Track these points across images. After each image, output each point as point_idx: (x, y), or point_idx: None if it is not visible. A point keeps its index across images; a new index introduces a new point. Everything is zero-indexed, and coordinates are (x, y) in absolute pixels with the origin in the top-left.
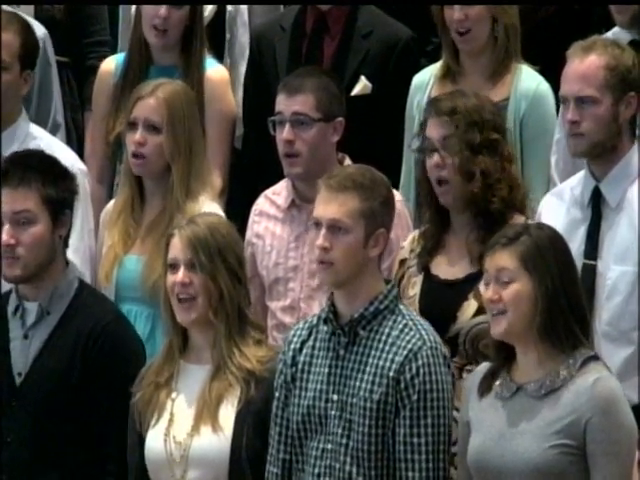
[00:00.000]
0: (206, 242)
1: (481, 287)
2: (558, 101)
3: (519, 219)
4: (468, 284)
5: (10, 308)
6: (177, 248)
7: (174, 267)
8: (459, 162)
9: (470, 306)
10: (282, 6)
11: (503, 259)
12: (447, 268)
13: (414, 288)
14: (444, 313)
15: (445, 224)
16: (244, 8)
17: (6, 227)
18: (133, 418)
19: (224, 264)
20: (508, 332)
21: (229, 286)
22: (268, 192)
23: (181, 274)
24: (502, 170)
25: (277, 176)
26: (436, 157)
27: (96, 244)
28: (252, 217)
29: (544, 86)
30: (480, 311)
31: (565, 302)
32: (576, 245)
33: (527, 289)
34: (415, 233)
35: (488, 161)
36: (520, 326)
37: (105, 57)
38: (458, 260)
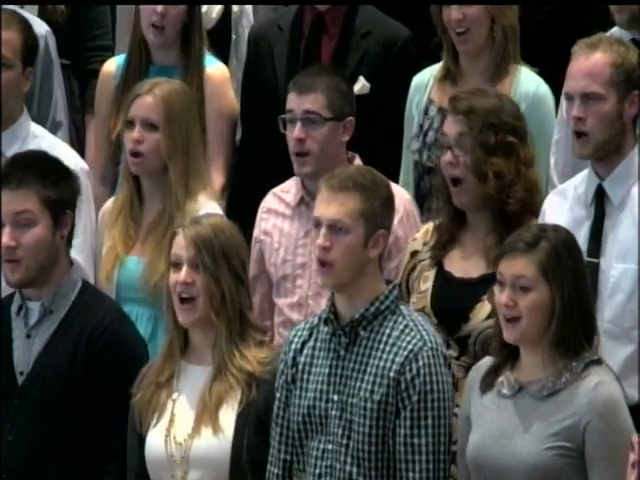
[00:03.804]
0: (210, 242)
1: (496, 289)
2: (558, 103)
3: (532, 221)
4: (482, 285)
5: (14, 308)
6: (180, 247)
7: (177, 266)
8: (471, 161)
9: (484, 308)
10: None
11: (521, 266)
12: (461, 265)
13: (426, 283)
14: (456, 312)
15: (461, 219)
16: (249, 8)
17: (6, 229)
18: (133, 418)
19: (227, 265)
20: (521, 338)
21: (231, 287)
22: (276, 190)
23: (184, 273)
24: (517, 173)
25: (275, 175)
26: (449, 154)
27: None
28: (260, 214)
29: (544, 88)
30: (493, 314)
31: (577, 311)
32: (579, 243)
33: (544, 298)
34: (429, 226)
35: (502, 163)
36: (534, 333)
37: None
38: (473, 258)
